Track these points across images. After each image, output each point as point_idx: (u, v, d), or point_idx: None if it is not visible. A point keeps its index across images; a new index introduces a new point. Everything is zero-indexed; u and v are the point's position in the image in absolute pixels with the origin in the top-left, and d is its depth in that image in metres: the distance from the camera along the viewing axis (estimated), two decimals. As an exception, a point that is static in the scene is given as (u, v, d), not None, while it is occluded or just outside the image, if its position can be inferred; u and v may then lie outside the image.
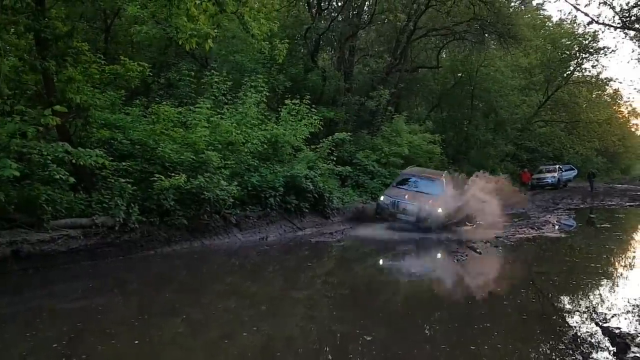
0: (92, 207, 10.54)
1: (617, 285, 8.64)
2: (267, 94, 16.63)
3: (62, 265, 9.01)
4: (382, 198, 15.70)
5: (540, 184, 34.80)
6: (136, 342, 5.56)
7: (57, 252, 9.28)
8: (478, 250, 11.56)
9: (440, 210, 14.67)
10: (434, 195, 15.26)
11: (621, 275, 9.73)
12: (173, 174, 11.64)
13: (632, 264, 10.79)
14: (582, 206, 23.58)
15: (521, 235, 13.67)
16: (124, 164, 11.48)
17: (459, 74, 32.76)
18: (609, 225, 16.63)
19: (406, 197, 15.23)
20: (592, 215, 20.58)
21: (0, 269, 8.20)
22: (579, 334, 5.79)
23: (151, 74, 14.48)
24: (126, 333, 5.82)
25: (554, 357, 5.12)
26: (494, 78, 31.90)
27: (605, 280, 8.94)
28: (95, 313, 6.56)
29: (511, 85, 33.59)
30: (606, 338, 5.56)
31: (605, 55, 37.38)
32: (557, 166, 37.12)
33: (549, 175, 35.68)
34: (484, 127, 34.39)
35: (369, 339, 5.64)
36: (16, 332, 5.65)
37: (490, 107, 34.22)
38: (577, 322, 6.37)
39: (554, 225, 15.69)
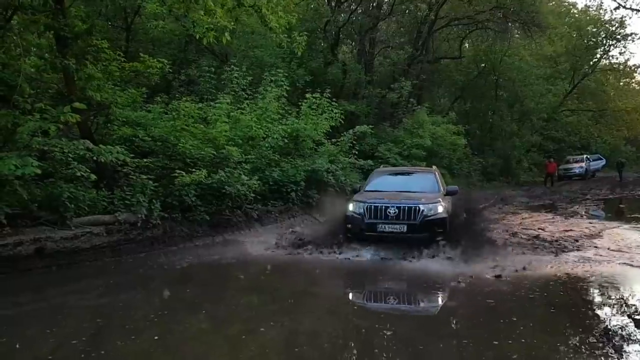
0: (115, 204, 10.58)
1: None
2: (288, 88, 16.55)
3: (85, 262, 9.04)
4: (351, 207, 9.93)
5: (568, 175, 34.15)
6: (156, 337, 5.52)
7: (80, 249, 9.32)
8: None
9: (441, 209, 9.55)
10: (428, 193, 10.21)
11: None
12: (194, 170, 11.63)
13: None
14: (610, 196, 22.99)
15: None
16: (145, 160, 11.51)
17: (482, 64, 32.26)
18: (639, 216, 16.14)
19: (386, 199, 9.78)
20: (621, 206, 20.04)
21: (24, 266, 8.25)
22: (609, 326, 5.56)
23: (171, 71, 14.54)
24: (147, 329, 5.78)
25: (584, 350, 4.91)
26: (518, 67, 31.32)
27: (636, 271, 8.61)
28: (117, 309, 6.55)
29: (536, 74, 32.95)
30: (638, 330, 5.33)
31: (633, 41, 36.49)
32: (585, 156, 36.34)
33: (576, 165, 34.99)
34: (508, 117, 33.86)
35: (389, 333, 5.51)
36: (38, 329, 5.65)
37: (515, 97, 33.65)
38: (607, 315, 6.14)
39: (582, 217, 15.28)
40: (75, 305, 6.82)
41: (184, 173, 11.47)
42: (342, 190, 15.69)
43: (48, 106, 9.33)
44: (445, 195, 10.36)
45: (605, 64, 38.79)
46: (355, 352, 5.18)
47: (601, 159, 38.78)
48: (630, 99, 41.73)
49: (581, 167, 34.76)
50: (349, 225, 9.84)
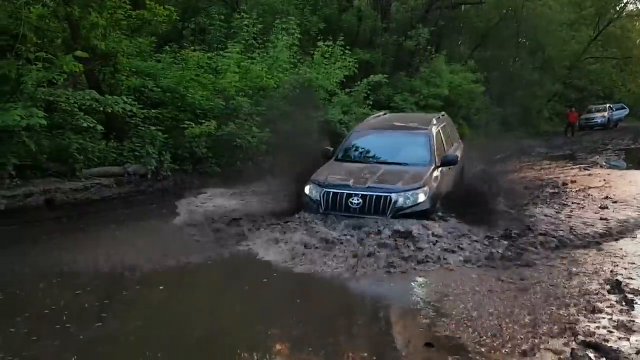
0: (124, 155, 10.58)
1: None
2: (300, 36, 16.08)
3: (95, 213, 9.04)
4: (306, 190, 7.46)
5: (589, 124, 33.28)
6: (161, 287, 5.52)
7: (91, 200, 9.36)
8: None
9: (423, 196, 7.00)
10: (412, 169, 7.56)
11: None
12: (204, 121, 11.50)
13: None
14: (632, 146, 22.42)
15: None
16: (154, 111, 11.40)
17: (504, 10, 31.06)
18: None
19: (352, 181, 7.19)
20: (644, 156, 19.56)
21: (34, 217, 8.27)
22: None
23: (180, 19, 14.17)
24: (156, 275, 5.78)
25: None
26: (541, 13, 30.14)
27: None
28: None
29: (559, 20, 31.71)
30: None
31: (664, -17, 34.74)
32: (608, 105, 35.33)
33: (598, 115, 34.02)
34: (530, 65, 32.85)
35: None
36: (44, 279, 5.65)
37: (536, 44, 32.57)
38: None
39: (601, 167, 14.92)
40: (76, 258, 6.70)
41: (193, 124, 11.36)
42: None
43: (52, 56, 9.17)
44: (439, 166, 7.75)
45: (631, 9, 37.26)
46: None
47: (624, 108, 37.64)
48: (658, 45, 40.17)
49: (603, 116, 33.80)
50: (307, 210, 7.31)
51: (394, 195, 6.86)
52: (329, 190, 7.10)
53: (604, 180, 12.00)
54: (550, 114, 36.22)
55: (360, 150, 8.51)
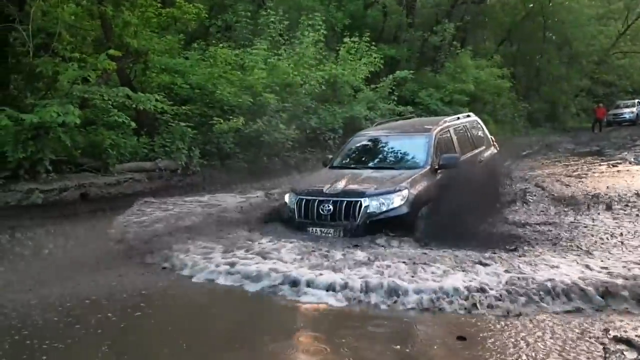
0: (155, 151, 10.81)
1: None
2: (325, 32, 16.17)
3: (128, 207, 9.26)
4: (286, 199, 7.04)
5: (617, 120, 32.66)
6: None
7: (124, 194, 9.60)
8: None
9: (399, 200, 6.24)
10: (399, 172, 6.84)
11: None
12: (231, 117, 11.67)
13: None
14: (663, 143, 21.99)
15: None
16: (183, 108, 11.61)
17: (531, 4, 30.66)
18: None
19: (326, 187, 6.57)
20: (674, 152, 19.18)
21: (69, 210, 8.53)
22: None
23: (208, 17, 14.35)
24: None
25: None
26: (568, 7, 29.75)
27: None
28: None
29: (587, 15, 31.21)
30: None
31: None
32: (636, 101, 34.66)
33: (626, 110, 33.36)
34: (557, 60, 32.41)
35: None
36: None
37: (564, 39, 32.08)
38: None
39: (630, 163, 14.71)
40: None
41: (221, 120, 11.55)
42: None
43: (85, 54, 9.42)
44: (436, 169, 6.96)
45: (664, 2, 36.39)
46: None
47: (654, 103, 36.99)
48: (690, 39, 39.16)
49: (632, 112, 33.15)
50: (286, 224, 6.89)
51: (364, 200, 6.21)
52: (302, 197, 6.62)
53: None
54: (577, 110, 35.68)
55: (355, 156, 7.90)
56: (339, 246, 5.78)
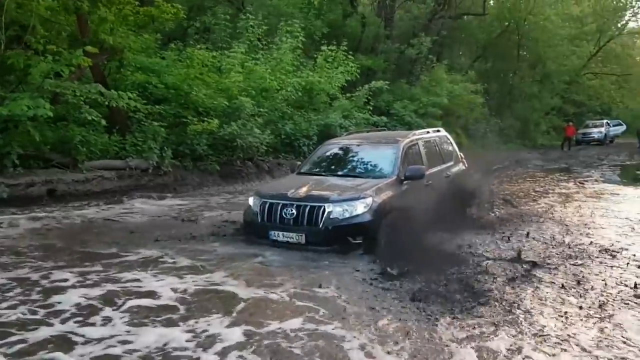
0: (126, 149, 10.70)
1: None
2: (304, 39, 16.27)
3: (96, 205, 9.15)
4: (250, 201, 6.96)
5: (586, 139, 33.60)
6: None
7: (92, 192, 9.48)
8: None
9: (362, 208, 6.22)
10: (364, 181, 6.86)
11: None
12: (206, 119, 11.64)
13: None
14: (628, 163, 22.62)
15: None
16: (157, 107, 11.53)
17: (506, 23, 31.35)
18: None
19: (291, 191, 6.54)
20: (638, 172, 19.75)
21: (36, 206, 8.38)
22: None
23: (186, 18, 14.30)
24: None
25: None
26: (542, 27, 30.41)
27: None
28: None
29: (561, 35, 31.99)
30: None
31: (664, 3, 35.01)
32: (605, 121, 35.67)
33: (595, 130, 34.39)
34: (530, 78, 33.14)
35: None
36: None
37: (537, 58, 32.81)
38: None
39: (596, 181, 15.10)
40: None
41: (196, 122, 11.50)
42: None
43: (61, 49, 9.29)
44: (403, 180, 6.95)
45: (632, 26, 37.57)
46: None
47: (621, 124, 37.99)
48: (657, 64, 40.45)
49: (600, 132, 34.18)
50: (246, 228, 6.99)
51: (327, 206, 6.16)
52: (266, 200, 6.56)
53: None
54: (547, 128, 36.46)
55: (323, 163, 7.88)
56: None
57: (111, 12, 10.71)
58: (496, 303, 4.49)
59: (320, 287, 4.89)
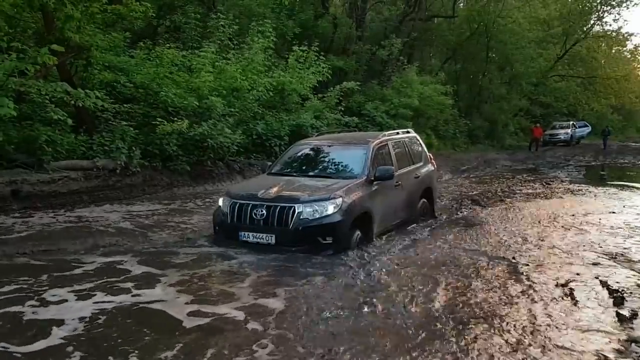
0: (94, 149, 10.50)
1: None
2: (275, 40, 16.20)
3: (62, 206, 8.97)
4: (220, 202, 7.04)
5: (553, 140, 34.42)
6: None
7: (58, 193, 9.28)
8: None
9: (332, 208, 6.32)
10: (335, 181, 6.96)
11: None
12: (176, 119, 11.51)
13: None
14: (593, 163, 23.23)
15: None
16: (125, 106, 11.36)
17: (475, 25, 31.75)
18: (618, 183, 16.34)
19: (261, 192, 6.62)
20: (602, 173, 20.28)
21: (-1, 207, 8.18)
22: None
23: (156, 16, 14.11)
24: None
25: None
26: (511, 30, 30.87)
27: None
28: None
29: (528, 38, 32.53)
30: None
31: (628, 8, 36.07)
32: (571, 122, 36.55)
33: (561, 131, 35.28)
34: (498, 80, 33.66)
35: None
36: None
37: (505, 60, 33.31)
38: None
39: (562, 181, 15.45)
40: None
41: (165, 122, 11.36)
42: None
43: (26, 46, 9.08)
44: (373, 180, 7.08)
45: (598, 30, 38.48)
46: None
47: (587, 126, 39.02)
48: (621, 67, 41.58)
49: (567, 133, 35.07)
50: (216, 228, 7.03)
51: (298, 206, 6.23)
52: (236, 201, 6.59)
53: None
54: (515, 129, 37.15)
55: (293, 164, 7.96)
56: None
57: (78, 9, 10.45)
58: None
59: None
